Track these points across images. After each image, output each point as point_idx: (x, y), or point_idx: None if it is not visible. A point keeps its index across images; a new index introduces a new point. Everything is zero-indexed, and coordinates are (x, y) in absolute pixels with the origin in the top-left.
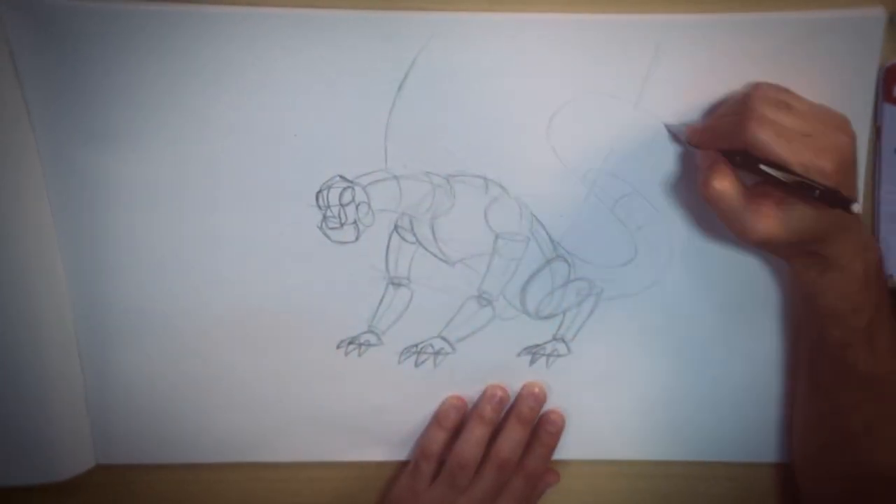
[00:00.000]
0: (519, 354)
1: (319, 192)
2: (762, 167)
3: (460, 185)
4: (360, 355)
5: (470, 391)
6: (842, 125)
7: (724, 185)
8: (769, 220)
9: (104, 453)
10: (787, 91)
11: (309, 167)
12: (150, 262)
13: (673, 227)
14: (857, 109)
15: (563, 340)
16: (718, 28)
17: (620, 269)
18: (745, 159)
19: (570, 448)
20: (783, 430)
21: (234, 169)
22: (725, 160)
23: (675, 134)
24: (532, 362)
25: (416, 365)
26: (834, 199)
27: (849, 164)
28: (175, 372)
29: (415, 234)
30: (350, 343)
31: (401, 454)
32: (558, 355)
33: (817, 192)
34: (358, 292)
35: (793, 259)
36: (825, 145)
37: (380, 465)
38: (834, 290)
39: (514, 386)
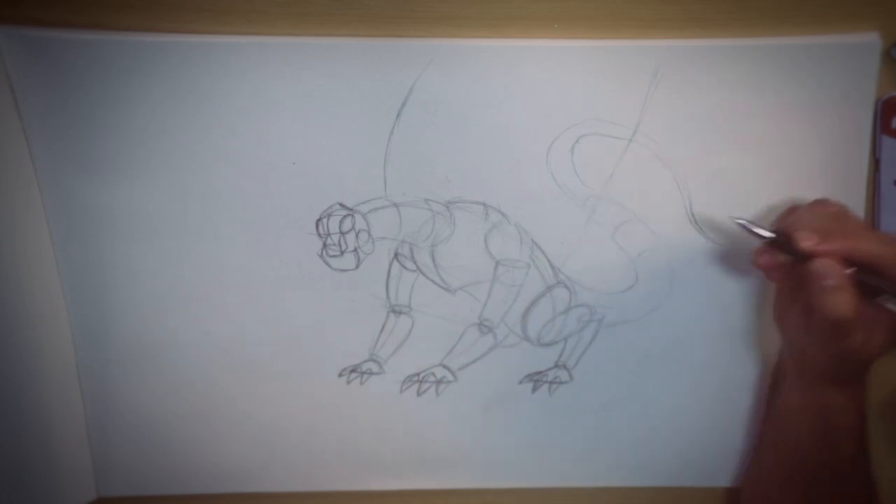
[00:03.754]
0: (521, 382)
1: (319, 219)
2: None
3: (460, 212)
4: (361, 384)
5: (472, 420)
6: None
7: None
8: (875, 342)
9: (105, 485)
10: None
11: (308, 195)
12: (151, 292)
13: (673, 252)
14: (855, 138)
15: (565, 367)
16: (716, 53)
17: (621, 296)
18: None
19: (572, 475)
20: None
21: (234, 198)
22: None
23: (751, 233)
24: (534, 390)
25: (419, 394)
26: None
27: None
28: (176, 402)
29: (415, 262)
30: (352, 371)
31: (403, 483)
32: (560, 382)
33: None
34: (359, 320)
35: (838, 382)
36: None
37: (382, 495)
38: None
39: (516, 414)
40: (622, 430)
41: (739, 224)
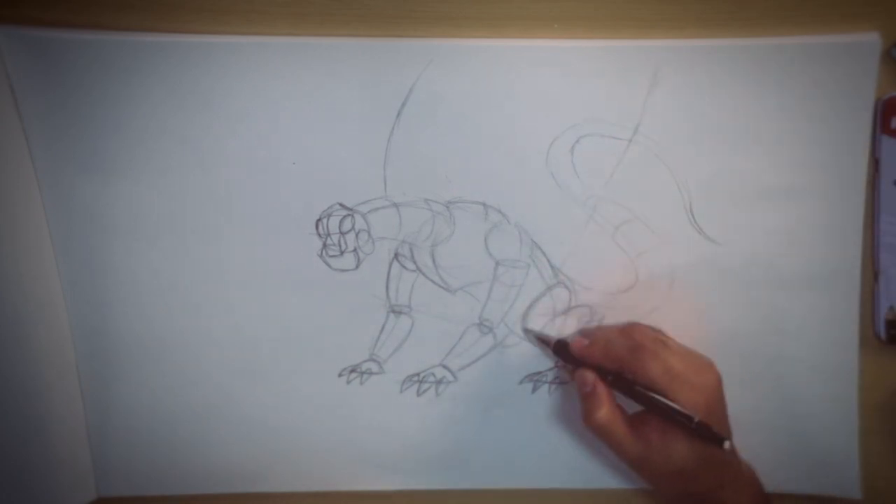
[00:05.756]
0: (521, 382)
1: (319, 220)
2: (653, 395)
3: (460, 212)
4: (361, 383)
5: (472, 420)
6: (709, 366)
7: (606, 415)
8: (654, 448)
9: (105, 485)
10: (661, 331)
11: (308, 195)
12: (151, 292)
13: (673, 253)
14: (855, 138)
15: (566, 367)
16: (716, 53)
17: (621, 296)
18: (617, 381)
19: (572, 476)
20: (792, 458)
21: (234, 198)
22: (605, 386)
23: (541, 341)
24: (534, 390)
25: (419, 394)
26: (708, 433)
27: (717, 403)
28: (176, 402)
29: (415, 262)
30: (352, 371)
31: (403, 483)
32: (561, 383)
33: (694, 422)
34: (359, 320)
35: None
36: (698, 384)
37: (382, 495)
38: None
39: (516, 414)
40: None
41: (527, 330)
